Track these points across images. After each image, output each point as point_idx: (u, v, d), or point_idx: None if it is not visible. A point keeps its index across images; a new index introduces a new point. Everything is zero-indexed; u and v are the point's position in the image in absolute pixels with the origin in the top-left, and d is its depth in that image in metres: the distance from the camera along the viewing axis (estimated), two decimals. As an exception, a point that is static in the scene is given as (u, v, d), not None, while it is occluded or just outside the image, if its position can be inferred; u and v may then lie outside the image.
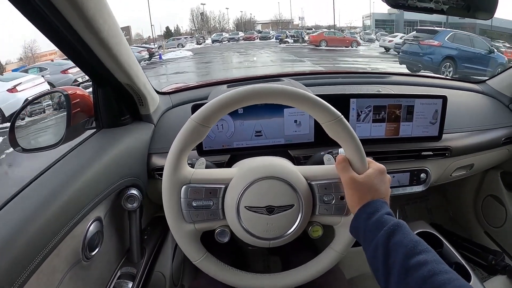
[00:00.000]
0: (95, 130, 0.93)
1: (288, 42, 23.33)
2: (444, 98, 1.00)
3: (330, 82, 1.29)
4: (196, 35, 36.87)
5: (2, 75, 11.06)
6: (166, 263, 1.00)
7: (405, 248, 0.47)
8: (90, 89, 0.93)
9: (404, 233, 0.50)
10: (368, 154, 0.63)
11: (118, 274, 0.88)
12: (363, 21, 39.26)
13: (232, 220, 0.64)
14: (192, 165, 0.72)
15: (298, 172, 0.65)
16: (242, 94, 0.58)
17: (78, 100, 0.90)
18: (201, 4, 48.87)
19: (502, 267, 1.21)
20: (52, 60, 15.74)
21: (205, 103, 0.69)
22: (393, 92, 1.12)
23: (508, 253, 1.34)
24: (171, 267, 1.00)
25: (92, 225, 0.75)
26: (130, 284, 0.85)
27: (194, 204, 0.63)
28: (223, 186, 0.64)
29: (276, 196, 0.63)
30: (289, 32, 27.28)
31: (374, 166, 0.61)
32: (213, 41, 31.08)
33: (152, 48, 18.65)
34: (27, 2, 0.58)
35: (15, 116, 0.89)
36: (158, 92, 1.11)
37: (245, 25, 45.80)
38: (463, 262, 1.04)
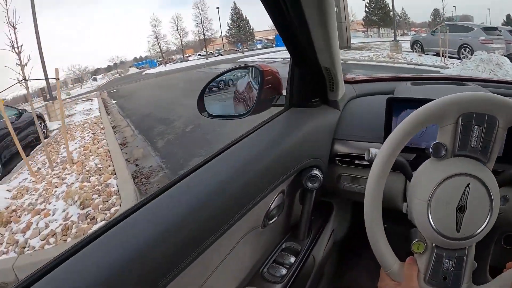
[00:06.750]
0: (283, 107, 0.97)
1: None
2: None
3: None
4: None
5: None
6: (320, 248, 1.00)
7: None
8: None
9: None
10: None
11: (283, 246, 0.93)
12: None
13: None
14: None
15: None
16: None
17: (271, 77, 0.95)
18: None
19: None
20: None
21: (401, 97, 0.86)
22: None
23: None
24: (322, 252, 1.01)
25: (277, 197, 0.82)
26: (293, 259, 0.88)
27: None
28: None
29: None
30: None
31: None
32: None
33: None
34: None
35: (207, 84, 0.98)
36: None
37: None
38: None
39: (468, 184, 0.57)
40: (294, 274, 0.85)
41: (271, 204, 0.79)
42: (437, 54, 11.30)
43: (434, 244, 0.61)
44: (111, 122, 8.47)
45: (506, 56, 8.72)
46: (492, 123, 0.58)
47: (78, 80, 36.47)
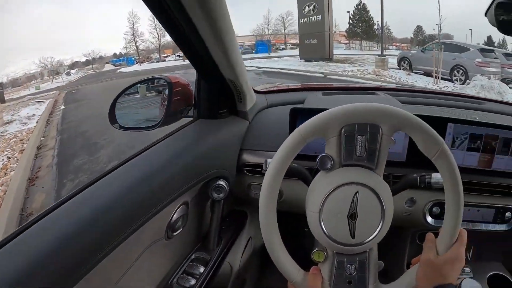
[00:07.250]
0: (192, 118, 0.97)
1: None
2: None
3: (426, 102, 1.23)
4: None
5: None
6: (236, 255, 1.02)
7: None
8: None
9: None
10: None
11: (193, 257, 0.92)
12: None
13: None
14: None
15: None
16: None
17: (180, 88, 0.94)
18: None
19: None
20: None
21: (304, 108, 0.90)
22: (488, 121, 0.98)
23: None
24: (240, 260, 1.03)
25: (179, 208, 0.80)
26: (202, 269, 0.88)
27: None
28: None
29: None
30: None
31: (456, 252, 0.60)
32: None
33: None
34: None
35: (119, 95, 0.96)
36: (254, 91, 1.10)
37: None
38: None
39: (357, 192, 0.59)
40: (203, 283, 0.85)
41: (173, 215, 0.79)
42: (426, 74, 10.45)
43: (334, 252, 0.62)
44: (42, 138, 6.97)
45: (500, 80, 8.14)
46: (375, 132, 0.59)
47: (55, 73, 34.33)
